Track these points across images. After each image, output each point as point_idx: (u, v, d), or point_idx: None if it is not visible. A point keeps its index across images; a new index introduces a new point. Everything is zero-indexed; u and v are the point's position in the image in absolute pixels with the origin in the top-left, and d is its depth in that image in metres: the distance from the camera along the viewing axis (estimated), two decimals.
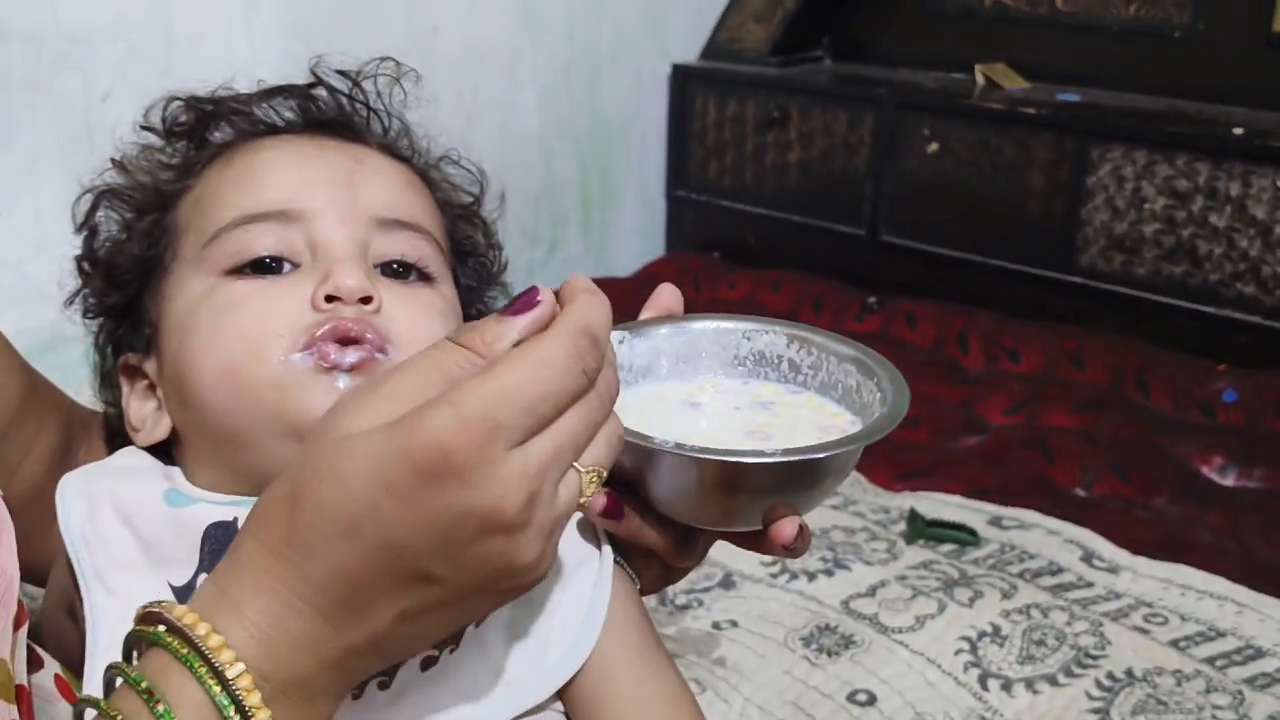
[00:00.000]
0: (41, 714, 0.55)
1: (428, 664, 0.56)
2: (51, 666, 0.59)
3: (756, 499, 0.57)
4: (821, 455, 0.55)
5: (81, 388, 0.76)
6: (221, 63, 0.78)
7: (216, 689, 0.45)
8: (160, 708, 0.45)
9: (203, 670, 0.46)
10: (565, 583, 0.60)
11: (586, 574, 0.61)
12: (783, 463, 0.55)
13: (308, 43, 0.72)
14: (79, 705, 0.49)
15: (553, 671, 0.58)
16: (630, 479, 0.59)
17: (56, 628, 0.63)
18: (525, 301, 0.49)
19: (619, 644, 0.60)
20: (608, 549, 0.62)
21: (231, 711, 0.45)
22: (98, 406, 0.73)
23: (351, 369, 0.58)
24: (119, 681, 0.48)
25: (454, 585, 0.47)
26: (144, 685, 0.46)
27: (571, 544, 0.61)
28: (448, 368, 0.48)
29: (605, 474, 0.51)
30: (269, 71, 0.71)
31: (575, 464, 0.49)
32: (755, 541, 0.60)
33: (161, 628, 0.47)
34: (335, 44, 0.72)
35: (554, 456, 0.47)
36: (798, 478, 0.57)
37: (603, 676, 0.59)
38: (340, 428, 0.47)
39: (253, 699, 0.46)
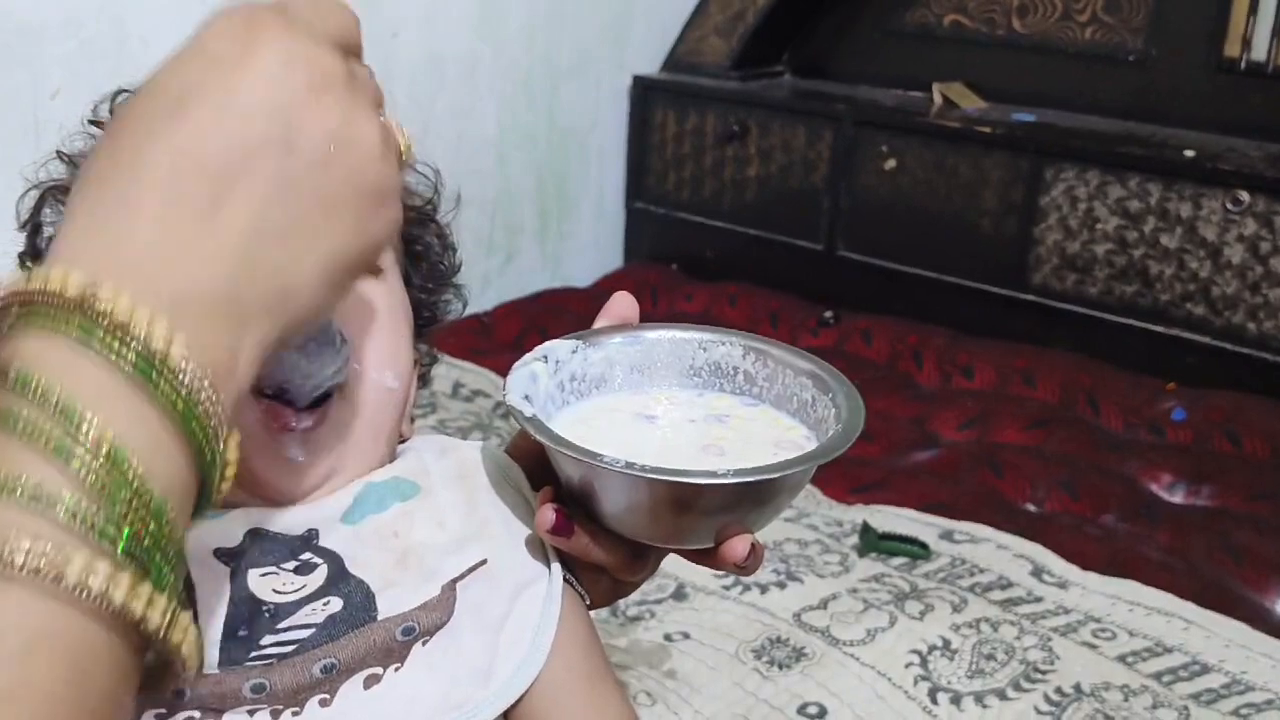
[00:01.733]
0: None
1: (371, 682, 0.55)
2: None
3: (708, 518, 0.56)
4: (774, 476, 0.55)
5: None
6: None
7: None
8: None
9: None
10: (514, 601, 0.59)
11: (535, 592, 0.59)
12: (735, 484, 0.54)
13: None
14: None
15: (500, 693, 0.56)
16: (579, 496, 0.58)
17: None
18: None
19: (567, 665, 0.59)
20: (557, 566, 0.60)
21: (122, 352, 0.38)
22: None
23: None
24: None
25: (304, 152, 0.44)
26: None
27: (520, 561, 0.60)
28: None
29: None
30: None
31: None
32: (707, 558, 0.59)
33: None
34: None
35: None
36: (750, 497, 0.56)
37: (549, 699, 0.58)
38: None
39: (158, 328, 0.38)
